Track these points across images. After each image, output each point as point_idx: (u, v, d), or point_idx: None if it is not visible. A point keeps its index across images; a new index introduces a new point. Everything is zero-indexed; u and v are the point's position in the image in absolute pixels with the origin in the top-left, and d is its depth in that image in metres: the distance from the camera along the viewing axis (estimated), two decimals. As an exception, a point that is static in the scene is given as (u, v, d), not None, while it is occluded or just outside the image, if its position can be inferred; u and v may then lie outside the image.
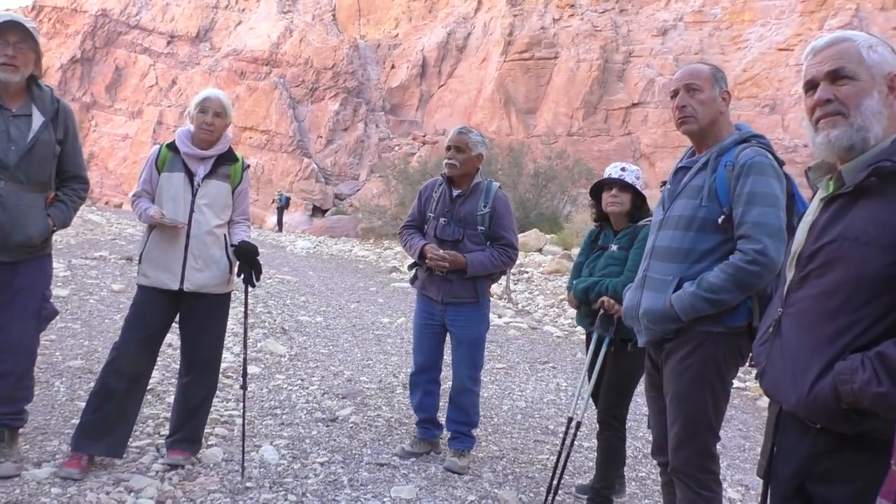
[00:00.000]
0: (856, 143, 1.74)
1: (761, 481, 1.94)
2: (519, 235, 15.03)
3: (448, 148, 4.11)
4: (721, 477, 2.68)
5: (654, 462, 3.07)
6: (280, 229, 29.32)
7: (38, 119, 3.33)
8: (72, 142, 3.54)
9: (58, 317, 6.37)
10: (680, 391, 2.57)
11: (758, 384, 2.06)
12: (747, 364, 2.41)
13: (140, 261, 3.64)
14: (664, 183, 2.87)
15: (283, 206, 31.12)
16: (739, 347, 2.55)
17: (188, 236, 3.58)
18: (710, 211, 2.57)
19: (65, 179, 3.56)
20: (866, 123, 1.73)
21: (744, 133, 2.68)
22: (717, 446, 2.67)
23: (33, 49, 3.29)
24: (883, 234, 1.62)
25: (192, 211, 3.59)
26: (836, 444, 1.69)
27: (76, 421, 3.59)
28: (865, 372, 1.55)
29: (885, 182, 1.65)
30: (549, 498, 3.46)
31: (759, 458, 1.98)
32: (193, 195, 3.61)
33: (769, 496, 1.92)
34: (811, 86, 1.85)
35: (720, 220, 2.54)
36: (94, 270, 9.31)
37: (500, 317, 9.44)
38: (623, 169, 3.68)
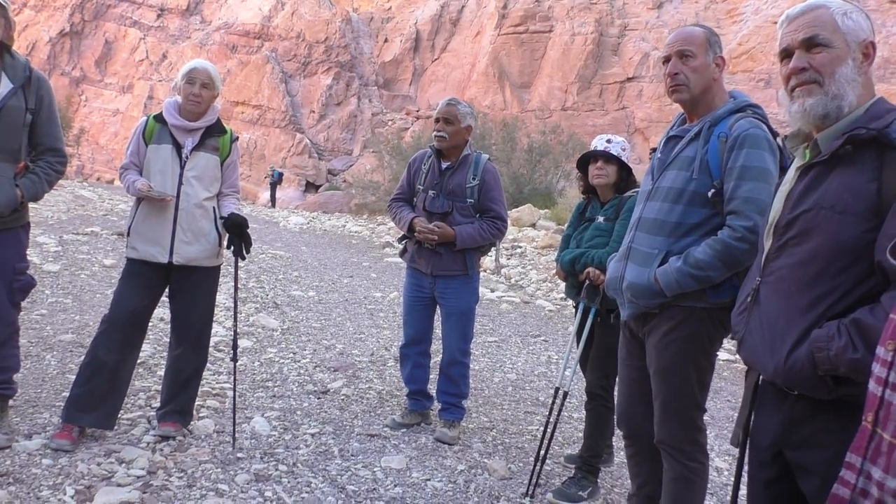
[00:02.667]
0: (830, 111, 1.74)
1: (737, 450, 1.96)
2: (513, 211, 14.73)
3: (437, 120, 4.09)
4: (709, 447, 2.70)
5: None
6: (273, 205, 29.21)
7: (6, 85, 3.23)
8: (46, 112, 3.43)
9: (49, 291, 6.45)
10: (664, 365, 2.54)
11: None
12: (730, 337, 2.37)
13: (129, 234, 3.61)
14: (654, 150, 2.79)
15: (276, 181, 30.95)
16: (723, 322, 2.48)
17: (177, 209, 3.56)
18: (700, 184, 2.47)
19: (40, 152, 3.45)
20: (841, 91, 1.73)
21: (739, 102, 2.57)
22: (706, 417, 2.67)
23: (2, 15, 3.18)
24: (858, 202, 1.62)
25: (180, 183, 3.57)
26: (812, 410, 1.71)
27: (67, 394, 3.60)
28: (841, 339, 1.57)
29: (859, 150, 1.66)
30: (538, 467, 3.50)
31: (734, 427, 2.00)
32: (182, 167, 3.59)
33: (747, 464, 1.95)
34: (786, 54, 1.84)
35: (710, 194, 2.45)
36: (85, 246, 9.27)
37: (492, 291, 9.47)
38: (609, 141, 3.68)
